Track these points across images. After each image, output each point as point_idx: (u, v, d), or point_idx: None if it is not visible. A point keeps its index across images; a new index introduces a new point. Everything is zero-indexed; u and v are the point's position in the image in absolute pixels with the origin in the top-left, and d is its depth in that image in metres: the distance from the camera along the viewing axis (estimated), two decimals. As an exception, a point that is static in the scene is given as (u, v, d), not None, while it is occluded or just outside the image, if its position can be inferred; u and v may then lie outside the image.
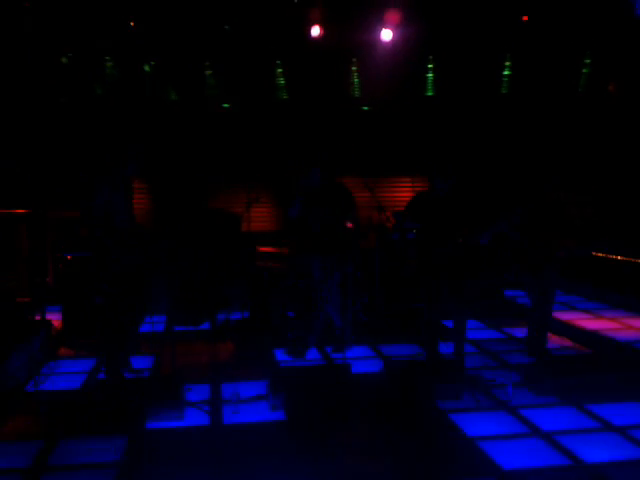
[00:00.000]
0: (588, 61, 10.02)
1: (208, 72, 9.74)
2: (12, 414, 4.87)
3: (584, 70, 10.03)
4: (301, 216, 6.21)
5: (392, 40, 9.24)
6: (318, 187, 6.24)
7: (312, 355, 6.45)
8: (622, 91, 10.26)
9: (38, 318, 7.00)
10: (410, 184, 9.93)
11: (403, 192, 9.88)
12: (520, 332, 7.14)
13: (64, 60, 9.37)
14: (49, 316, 7.18)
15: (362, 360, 6.26)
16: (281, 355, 6.46)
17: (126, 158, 5.36)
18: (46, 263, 8.24)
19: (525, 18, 9.15)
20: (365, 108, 10.21)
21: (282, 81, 9.87)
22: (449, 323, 7.35)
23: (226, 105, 9.94)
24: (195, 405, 4.96)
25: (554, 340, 6.76)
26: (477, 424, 4.66)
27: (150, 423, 4.62)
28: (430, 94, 10.14)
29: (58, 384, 5.58)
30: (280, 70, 9.84)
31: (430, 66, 10.05)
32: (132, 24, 8.94)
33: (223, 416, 4.81)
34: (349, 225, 6.29)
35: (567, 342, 6.92)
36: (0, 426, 4.65)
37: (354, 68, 9.98)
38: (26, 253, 8.20)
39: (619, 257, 9.39)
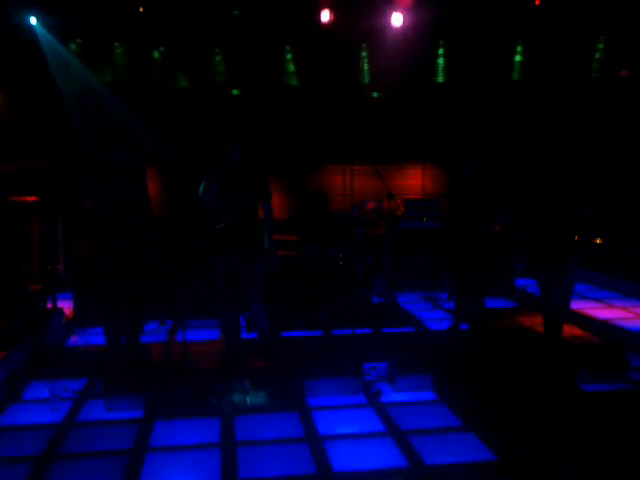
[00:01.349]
0: (601, 46, 9.89)
1: (217, 58, 9.71)
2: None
3: (597, 55, 9.91)
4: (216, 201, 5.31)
5: (402, 25, 9.17)
6: (238, 167, 5.39)
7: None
8: (636, 76, 10.14)
9: (50, 306, 7.05)
10: (420, 171, 9.89)
11: (413, 179, 9.85)
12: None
13: (73, 46, 9.37)
14: (60, 304, 7.23)
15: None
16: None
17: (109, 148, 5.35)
18: (57, 251, 8.28)
19: (537, 2, 9.04)
20: (375, 94, 10.15)
21: (292, 67, 9.81)
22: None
23: (235, 91, 9.90)
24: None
25: (564, 329, 6.74)
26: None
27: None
28: (441, 80, 10.05)
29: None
30: (290, 56, 9.78)
31: (441, 52, 9.96)
32: (141, 9, 8.92)
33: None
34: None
35: (577, 331, 6.89)
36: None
37: (364, 54, 9.91)
38: (38, 241, 8.23)
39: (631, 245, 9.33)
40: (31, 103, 9.33)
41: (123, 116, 9.43)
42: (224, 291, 5.38)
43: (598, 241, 9.46)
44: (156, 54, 9.62)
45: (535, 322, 7.10)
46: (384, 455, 3.99)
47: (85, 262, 7.22)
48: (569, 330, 6.70)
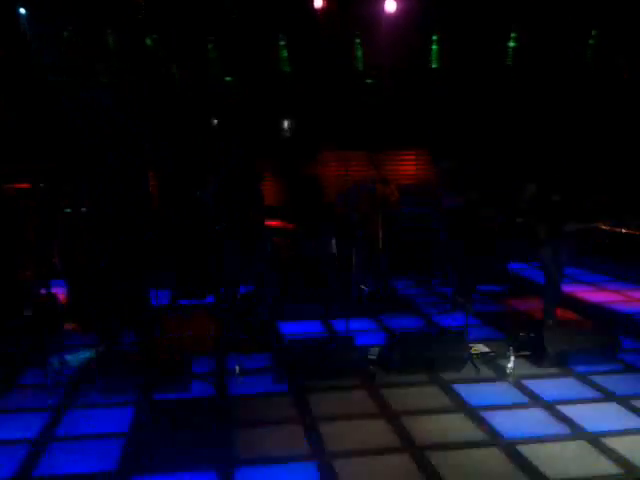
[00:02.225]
0: (595, 32, 9.87)
1: (210, 46, 9.65)
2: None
3: (590, 41, 9.89)
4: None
5: (396, 12, 9.14)
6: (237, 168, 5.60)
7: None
8: (630, 63, 10.12)
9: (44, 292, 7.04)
10: (414, 158, 9.88)
11: (407, 166, 9.83)
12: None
13: (65, 34, 9.30)
14: (54, 291, 7.22)
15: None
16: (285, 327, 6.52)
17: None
18: (52, 246, 8.26)
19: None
20: (369, 81, 10.11)
21: (285, 54, 9.77)
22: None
23: (228, 79, 9.86)
24: (200, 377, 5.02)
25: (557, 312, 6.77)
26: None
27: (157, 394, 4.69)
28: (435, 66, 10.02)
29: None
30: (283, 43, 9.73)
31: (435, 38, 9.92)
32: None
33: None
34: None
35: (569, 314, 6.94)
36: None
37: (357, 40, 9.87)
38: (32, 237, 8.21)
39: (623, 230, 9.36)
40: (28, 103, 9.24)
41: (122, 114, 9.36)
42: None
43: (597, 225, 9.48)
44: (149, 41, 9.55)
45: (529, 304, 7.16)
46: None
47: (82, 263, 7.23)
48: (562, 313, 6.74)
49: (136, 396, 4.64)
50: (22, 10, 8.70)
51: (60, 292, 7.23)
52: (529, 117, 10.14)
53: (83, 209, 5.81)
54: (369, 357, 5.32)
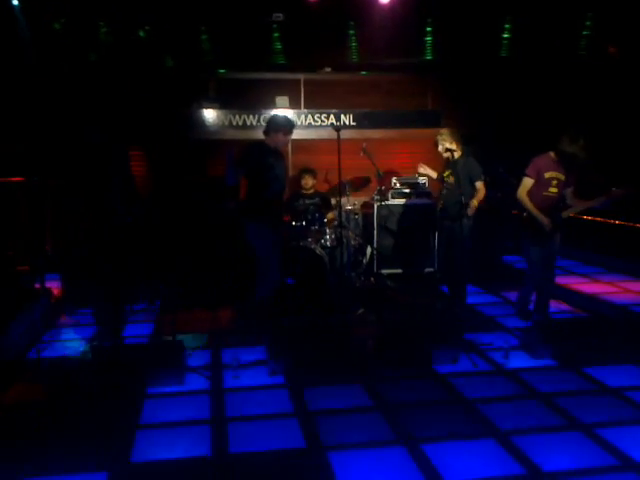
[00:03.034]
0: (588, 23, 9.87)
1: (204, 37, 9.60)
2: (13, 382, 4.92)
3: (584, 32, 9.89)
4: None
5: (390, 2, 9.13)
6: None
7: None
8: (623, 53, 10.13)
9: (38, 286, 7.03)
10: (409, 150, 9.85)
11: (402, 158, 9.80)
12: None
13: (57, 26, 9.23)
14: (49, 284, 7.21)
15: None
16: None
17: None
18: (45, 231, 8.25)
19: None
20: (363, 73, 10.08)
21: (278, 45, 9.73)
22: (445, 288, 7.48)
23: (222, 70, 9.81)
24: (196, 370, 5.02)
25: (551, 304, 6.80)
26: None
27: (151, 388, 4.68)
28: (429, 57, 10.01)
29: (59, 351, 5.65)
30: (277, 34, 9.69)
31: (429, 29, 9.91)
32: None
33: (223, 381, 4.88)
34: None
35: (564, 306, 6.97)
36: (1, 394, 4.70)
37: (352, 31, 9.84)
38: (25, 221, 8.19)
39: (616, 221, 9.39)
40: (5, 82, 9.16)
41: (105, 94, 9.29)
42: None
43: (585, 217, 9.51)
44: (142, 33, 9.49)
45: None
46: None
47: (72, 244, 7.23)
48: (556, 305, 6.77)
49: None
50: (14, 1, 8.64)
51: (54, 286, 7.24)
52: (525, 107, 10.15)
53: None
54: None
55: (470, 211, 6.55)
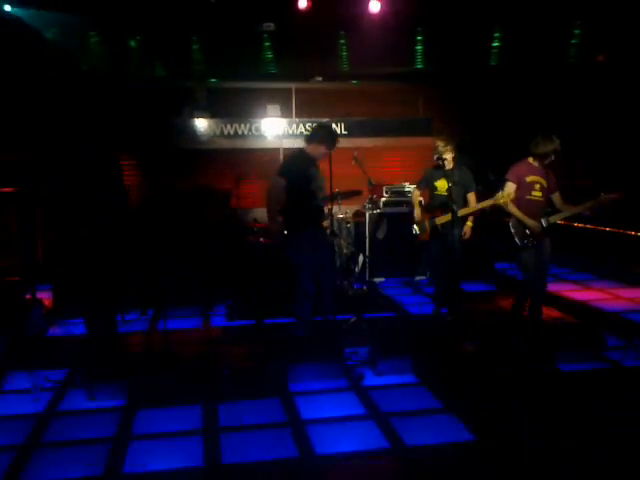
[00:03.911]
0: (577, 31, 9.94)
1: (195, 46, 9.62)
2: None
3: (573, 40, 9.96)
4: None
5: (381, 12, 9.16)
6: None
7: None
8: (612, 61, 10.21)
9: (29, 297, 7.00)
10: (399, 158, 9.91)
11: (393, 166, 9.86)
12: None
13: (49, 35, 9.22)
14: (40, 295, 7.17)
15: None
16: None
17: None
18: (35, 241, 8.22)
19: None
20: (354, 82, 10.13)
21: (269, 55, 9.75)
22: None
23: (213, 80, 9.83)
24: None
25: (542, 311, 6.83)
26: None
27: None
28: (420, 66, 10.06)
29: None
30: (267, 44, 9.71)
31: (419, 38, 9.95)
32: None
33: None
34: None
35: (555, 313, 6.99)
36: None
37: (342, 41, 9.87)
38: (15, 231, 8.17)
39: (607, 228, 9.45)
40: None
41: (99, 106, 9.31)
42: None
43: (576, 224, 9.57)
44: (132, 43, 9.49)
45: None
46: (366, 437, 4.04)
47: (62, 254, 7.21)
48: (547, 311, 6.79)
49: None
50: (7, 7, 8.62)
51: (46, 297, 7.21)
52: (514, 115, 10.22)
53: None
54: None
55: (466, 236, 6.60)
